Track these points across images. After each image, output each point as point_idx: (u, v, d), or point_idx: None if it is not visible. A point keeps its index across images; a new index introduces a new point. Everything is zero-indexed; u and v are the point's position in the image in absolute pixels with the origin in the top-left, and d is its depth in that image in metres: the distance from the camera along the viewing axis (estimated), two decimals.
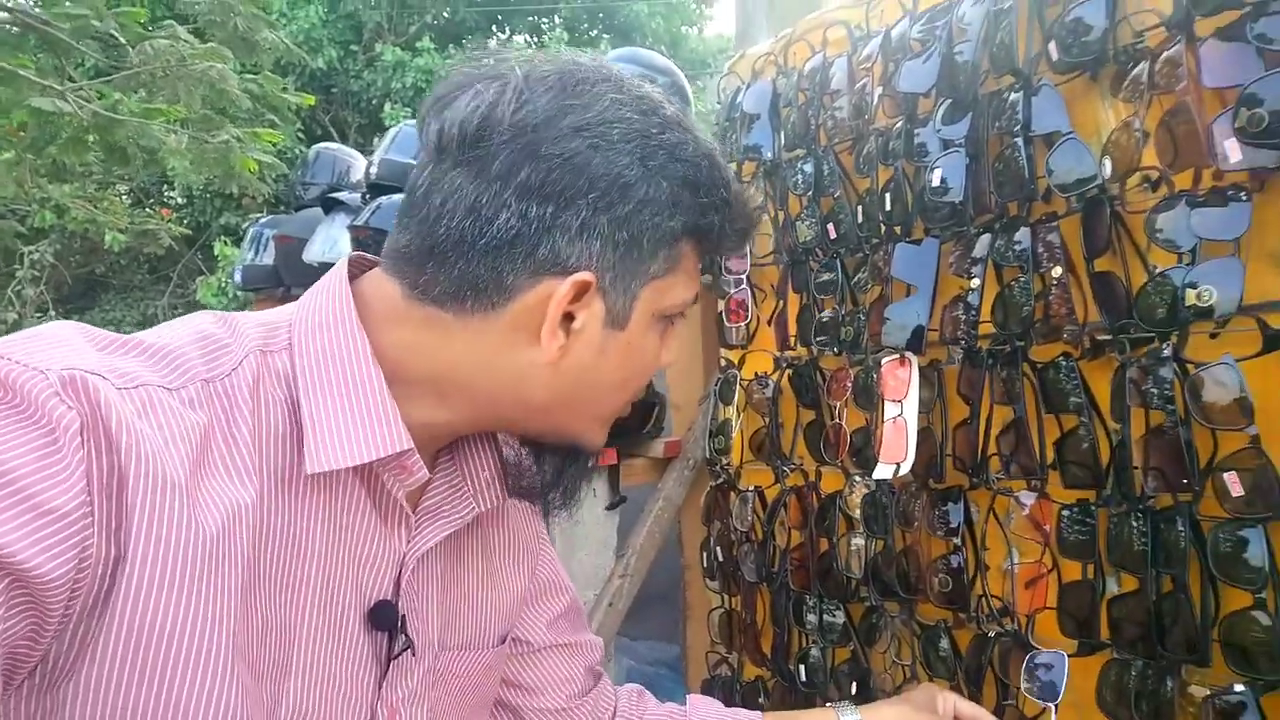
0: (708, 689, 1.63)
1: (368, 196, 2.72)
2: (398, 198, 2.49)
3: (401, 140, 2.73)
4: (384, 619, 0.69)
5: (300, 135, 9.05)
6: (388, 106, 9.09)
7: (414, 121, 3.05)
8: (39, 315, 9.37)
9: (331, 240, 2.71)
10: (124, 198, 8.47)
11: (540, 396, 0.67)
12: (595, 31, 10.65)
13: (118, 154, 4.19)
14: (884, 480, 1.28)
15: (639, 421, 1.73)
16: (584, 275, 0.63)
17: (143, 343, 0.60)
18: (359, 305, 0.67)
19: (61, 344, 0.57)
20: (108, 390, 0.55)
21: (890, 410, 1.27)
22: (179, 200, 10.00)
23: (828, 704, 1.04)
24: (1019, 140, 1.11)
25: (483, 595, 0.80)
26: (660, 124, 0.65)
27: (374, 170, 2.67)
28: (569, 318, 0.65)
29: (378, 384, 0.65)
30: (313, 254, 2.74)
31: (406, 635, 0.70)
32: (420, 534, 0.71)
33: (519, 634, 0.89)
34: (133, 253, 8.43)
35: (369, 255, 0.71)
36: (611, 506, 1.72)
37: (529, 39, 10.57)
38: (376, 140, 9.17)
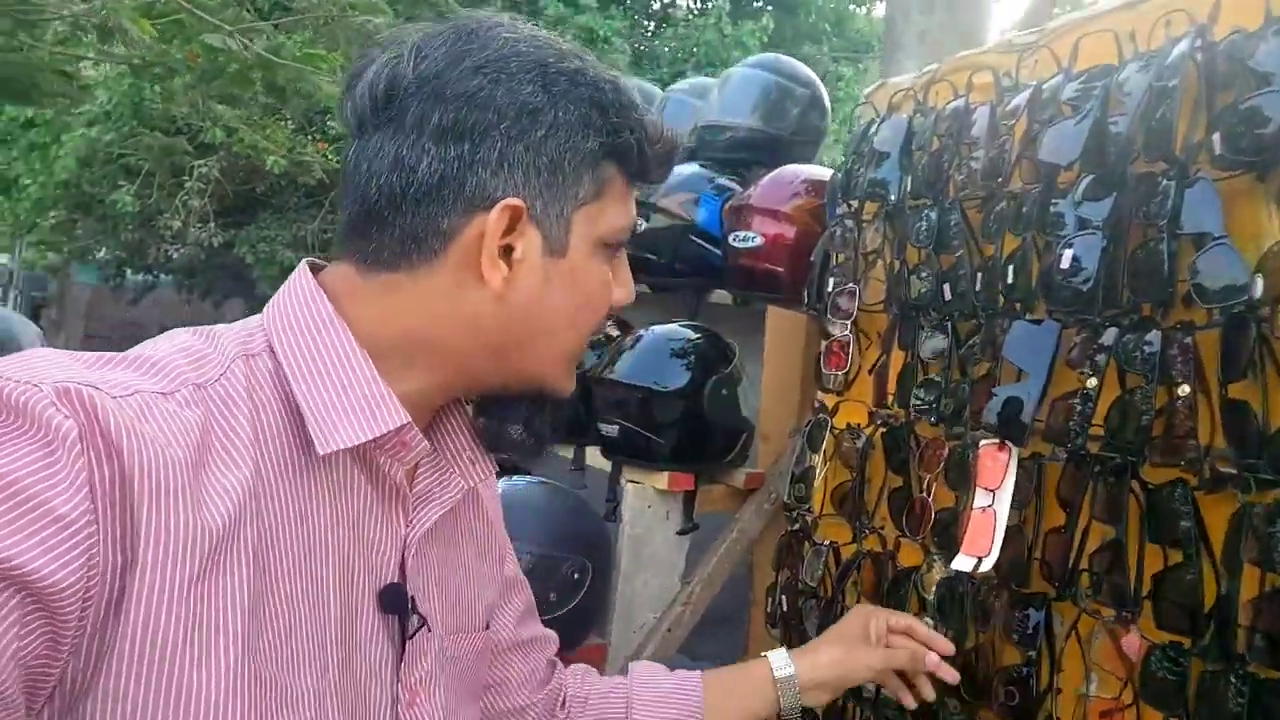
0: None
1: None
2: None
3: None
4: (394, 601, 0.71)
5: None
6: None
7: None
8: (200, 225, 9.96)
9: None
10: (288, 123, 8.86)
11: (498, 335, 0.70)
12: (759, 3, 10.43)
13: (277, 92, 4.35)
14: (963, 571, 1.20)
15: (722, 448, 1.68)
16: (512, 200, 0.66)
17: (129, 358, 0.62)
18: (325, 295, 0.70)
19: (52, 363, 0.58)
20: (103, 399, 0.55)
21: (981, 499, 1.18)
22: (336, 134, 10.40)
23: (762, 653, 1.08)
24: (1164, 234, 1.00)
25: (471, 579, 0.82)
26: (557, 55, 0.69)
27: None
28: (508, 250, 0.68)
29: (366, 366, 0.67)
30: None
31: (420, 614, 0.72)
32: (417, 516, 0.73)
33: (500, 638, 0.92)
34: (290, 177, 8.85)
35: (322, 259, 0.74)
36: (683, 532, 1.69)
37: (691, 5, 10.43)
38: None
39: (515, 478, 1.67)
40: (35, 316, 17.03)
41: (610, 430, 1.65)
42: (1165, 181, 1.01)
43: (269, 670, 0.61)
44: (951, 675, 1.11)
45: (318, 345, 0.67)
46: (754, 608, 1.78)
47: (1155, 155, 1.02)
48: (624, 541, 1.63)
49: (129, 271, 11.98)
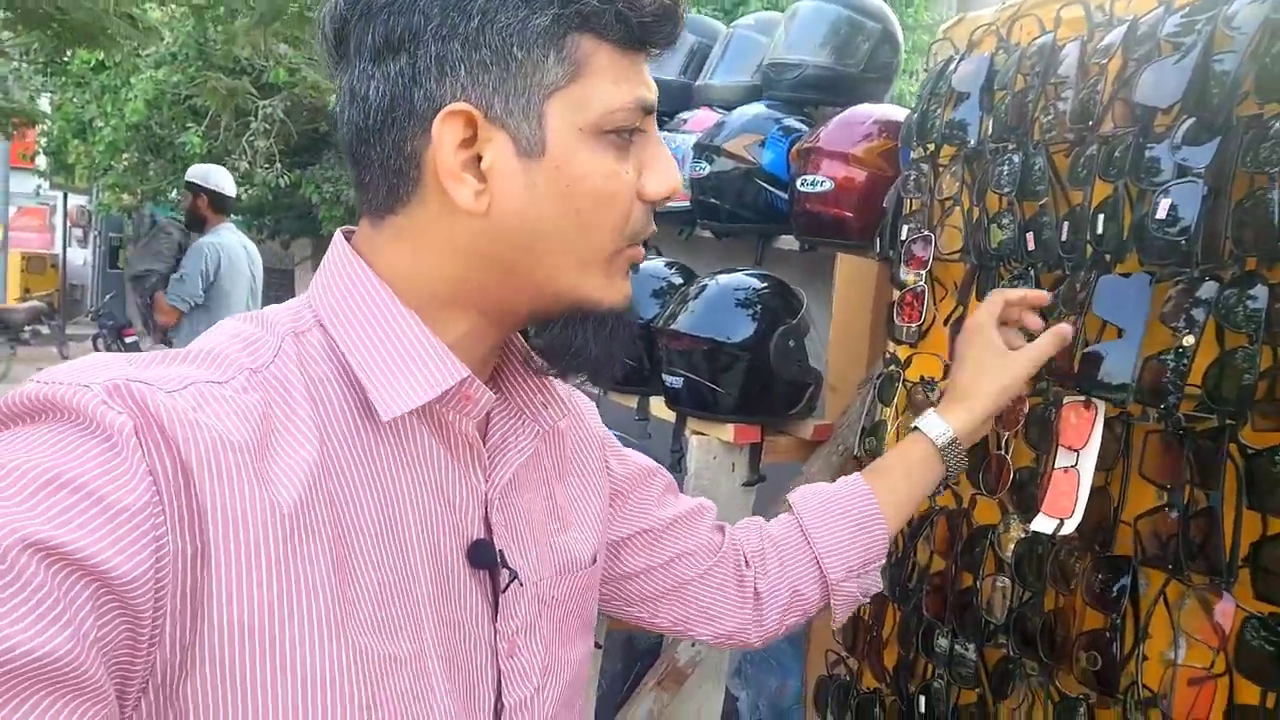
0: (822, 687, 1.58)
1: None
2: None
3: None
4: (483, 557, 0.70)
5: None
6: None
7: None
8: (267, 166, 10.08)
9: None
10: None
11: (503, 253, 0.65)
12: None
13: None
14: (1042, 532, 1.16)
15: (789, 400, 1.65)
16: (455, 106, 0.62)
17: (181, 353, 0.62)
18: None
19: (101, 366, 0.58)
20: (154, 394, 0.56)
21: (1064, 458, 1.14)
22: None
23: (912, 427, 1.06)
24: (1274, 183, 0.93)
25: (565, 519, 0.81)
26: None
27: None
28: (478, 160, 0.63)
29: (416, 325, 0.65)
30: None
31: (510, 568, 0.72)
32: (495, 469, 0.72)
33: (638, 526, 0.92)
34: None
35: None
36: (749, 484, 1.67)
37: None
38: None
39: None
40: (113, 258, 17.53)
41: (674, 382, 1.63)
42: (1277, 125, 0.94)
43: (364, 638, 0.61)
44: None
45: (364, 312, 0.66)
46: None
47: (1269, 96, 0.94)
48: (689, 493, 1.61)
49: None
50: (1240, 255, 0.97)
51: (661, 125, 2.17)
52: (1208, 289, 0.99)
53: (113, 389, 0.55)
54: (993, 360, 1.05)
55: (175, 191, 11.53)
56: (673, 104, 2.23)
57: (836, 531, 0.99)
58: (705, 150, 1.89)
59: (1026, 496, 1.23)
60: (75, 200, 17.04)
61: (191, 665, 0.56)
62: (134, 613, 0.53)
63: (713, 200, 1.89)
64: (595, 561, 0.84)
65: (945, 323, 1.41)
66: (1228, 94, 0.98)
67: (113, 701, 0.52)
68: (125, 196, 12.37)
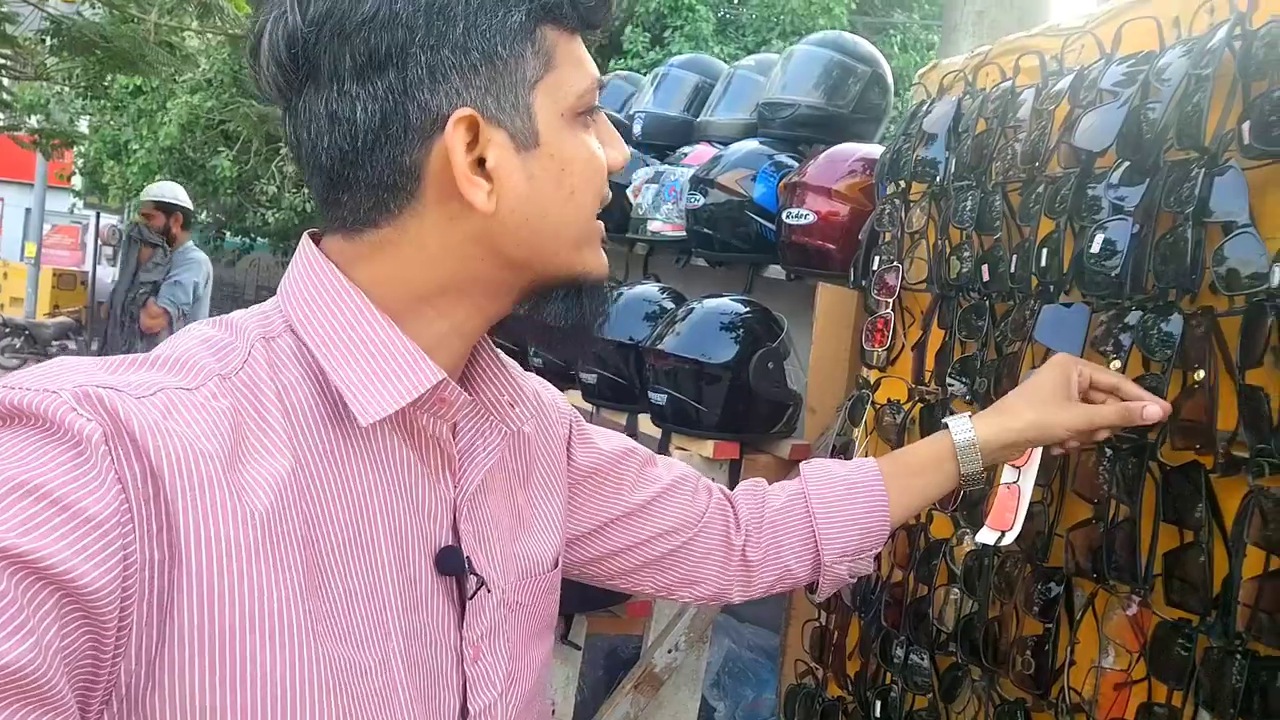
0: (791, 696, 1.65)
1: None
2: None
3: (609, 92, 2.77)
4: (451, 563, 0.70)
5: None
6: (629, 29, 9.17)
7: (627, 73, 3.05)
8: (295, 190, 10.31)
9: None
10: None
11: (509, 250, 0.67)
12: None
13: None
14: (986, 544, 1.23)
15: (767, 419, 1.73)
16: (462, 111, 0.62)
17: (149, 358, 0.61)
18: None
19: (71, 370, 0.57)
20: (124, 400, 0.55)
21: (1008, 475, 1.21)
22: None
23: (942, 423, 1.02)
24: (1190, 221, 1.01)
25: (527, 522, 0.81)
26: None
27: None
28: (481, 162, 0.64)
29: (391, 330, 0.65)
30: None
31: (477, 574, 0.71)
32: (464, 474, 0.72)
33: (616, 510, 0.92)
34: None
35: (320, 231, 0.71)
36: None
37: None
38: (613, 63, 9.16)
39: None
40: None
41: (659, 399, 1.72)
42: (1196, 169, 1.02)
43: (331, 645, 0.61)
44: (1160, 412, 0.98)
45: (337, 317, 0.65)
46: None
47: (1188, 143, 1.03)
48: None
49: (228, 234, 12.49)
50: (1162, 287, 1.05)
51: (662, 159, 2.28)
52: (1134, 317, 1.08)
53: (82, 395, 0.54)
54: (1048, 393, 1.00)
55: (205, 214, 11.80)
56: (674, 139, 2.34)
57: (840, 514, 0.98)
58: (701, 183, 1.99)
59: (977, 512, 1.30)
60: (107, 219, 17.39)
61: (159, 674, 0.55)
62: (99, 623, 0.52)
63: (707, 230, 1.99)
64: (556, 565, 0.84)
65: (912, 348, 1.50)
66: (1156, 139, 1.07)
67: (74, 713, 0.52)
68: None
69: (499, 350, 0.77)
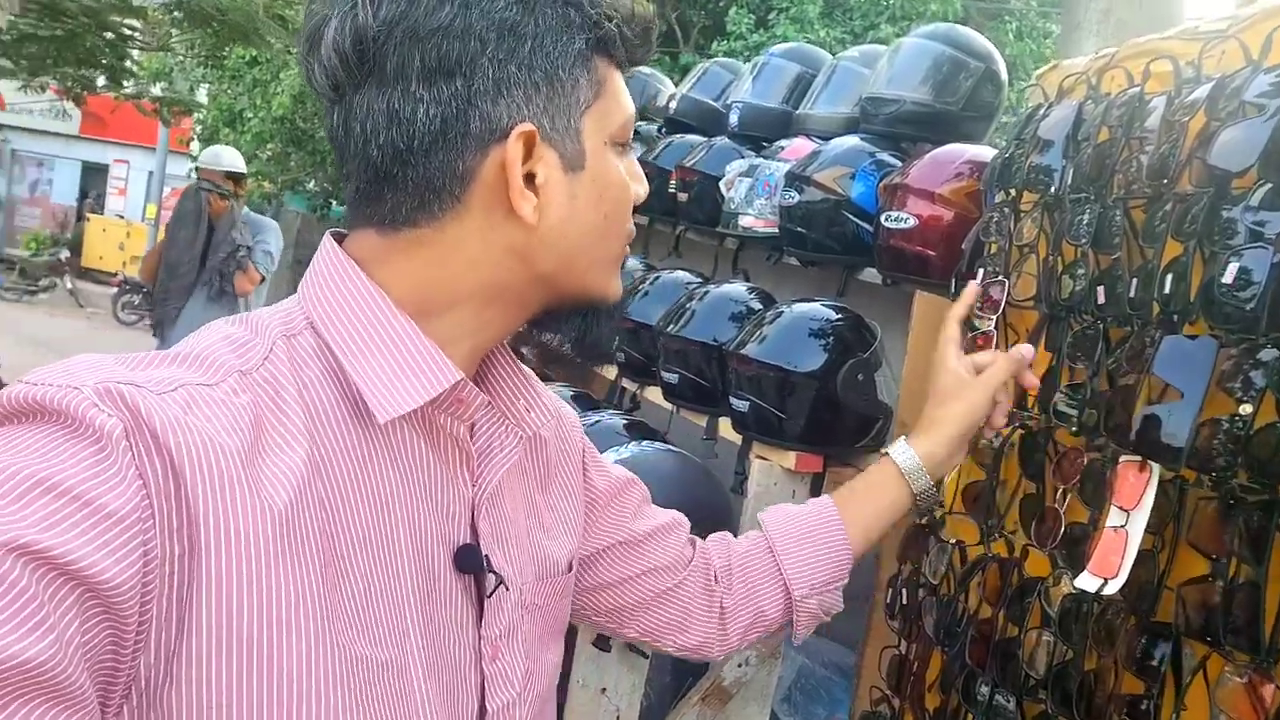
0: None
1: (663, 131, 2.74)
2: (690, 138, 2.49)
3: (707, 79, 2.70)
4: (470, 561, 0.71)
5: None
6: (733, 10, 9.00)
7: (726, 60, 3.00)
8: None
9: None
10: None
11: (541, 264, 0.69)
12: None
13: None
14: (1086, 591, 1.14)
15: (854, 432, 1.65)
16: (525, 126, 0.65)
17: (170, 355, 0.62)
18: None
19: (92, 367, 0.58)
20: (145, 396, 0.56)
21: (1115, 517, 1.12)
22: None
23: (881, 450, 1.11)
24: None
25: (545, 524, 0.82)
26: None
27: (673, 105, 2.67)
28: (530, 178, 0.66)
29: (410, 329, 0.66)
30: None
31: (496, 573, 0.72)
32: (482, 474, 0.73)
33: (615, 538, 0.94)
34: None
35: (344, 230, 0.73)
36: None
37: None
38: (716, 44, 9.09)
39: (644, 443, 1.71)
40: None
41: (741, 405, 1.66)
42: None
43: (348, 642, 0.61)
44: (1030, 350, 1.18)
45: (358, 315, 0.66)
46: (877, 592, 1.76)
47: None
48: (748, 516, 1.64)
49: (334, 202, 12.82)
50: None
51: (758, 151, 2.20)
52: (1269, 354, 0.97)
53: (103, 391, 0.55)
54: (953, 387, 1.11)
55: (313, 182, 12.13)
56: (772, 131, 2.26)
57: (803, 551, 1.03)
58: (796, 179, 1.91)
59: (1077, 552, 1.21)
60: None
61: (176, 670, 0.55)
62: (119, 618, 0.52)
63: (800, 229, 1.91)
64: (571, 569, 0.85)
65: None
66: None
67: (94, 708, 0.52)
68: (266, 184, 13.06)
69: (517, 359, 0.79)
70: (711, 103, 2.59)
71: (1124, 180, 1.21)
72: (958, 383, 1.11)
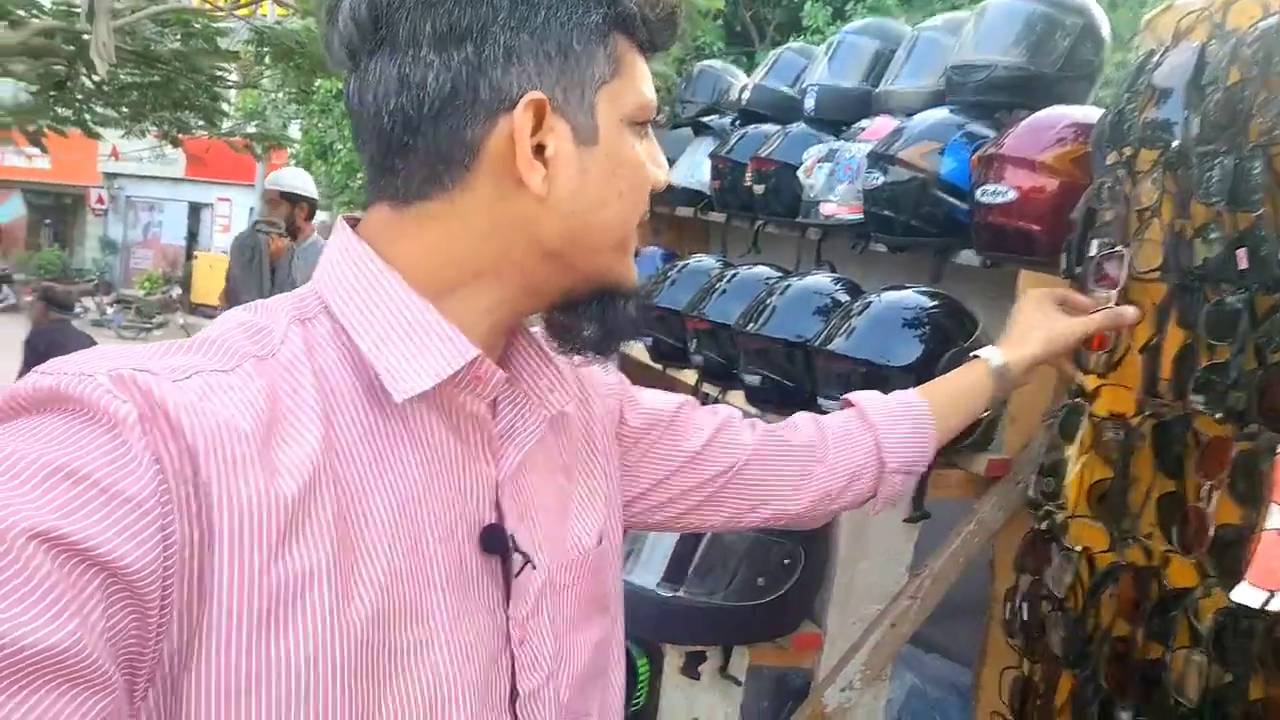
0: None
1: (737, 123, 2.62)
2: (765, 128, 2.37)
3: (780, 66, 2.57)
4: (495, 542, 0.70)
5: (720, 29, 9.13)
6: (808, 5, 8.82)
7: (800, 45, 2.88)
8: None
9: (695, 165, 2.66)
10: None
11: (550, 239, 0.68)
12: None
13: None
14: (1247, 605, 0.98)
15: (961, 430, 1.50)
16: (534, 94, 0.64)
17: (186, 343, 0.62)
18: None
19: (107, 356, 0.58)
20: (159, 382, 0.56)
21: (1275, 517, 0.95)
22: None
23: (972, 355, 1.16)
24: None
25: (571, 502, 0.81)
26: None
27: (745, 95, 2.55)
28: (540, 149, 0.65)
29: (424, 308, 0.66)
30: (675, 177, 2.72)
31: (522, 553, 0.72)
32: (504, 454, 0.72)
33: (675, 464, 0.95)
34: None
35: (358, 215, 0.72)
36: (911, 519, 1.53)
37: None
38: (792, 39, 9.02)
39: None
40: None
41: (832, 407, 1.52)
42: None
43: (367, 628, 0.61)
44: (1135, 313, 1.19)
45: (372, 296, 0.66)
46: (994, 604, 1.60)
47: None
48: (843, 526, 1.50)
49: None
50: None
51: (837, 135, 2.07)
52: None
53: (117, 379, 0.55)
54: (1043, 319, 1.16)
55: None
56: (851, 113, 2.11)
57: (897, 429, 1.06)
58: (880, 160, 1.77)
59: (1231, 559, 1.04)
60: (318, 216, 18.66)
61: (192, 655, 0.56)
62: (142, 603, 0.53)
63: (887, 212, 1.76)
64: (601, 543, 0.83)
65: (1141, 351, 1.24)
66: None
67: (120, 692, 0.52)
68: (359, 213, 13.39)
69: (536, 337, 0.78)
70: (786, 90, 2.45)
71: (1263, 125, 1.05)
72: (1047, 315, 1.16)
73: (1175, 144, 1.17)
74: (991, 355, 1.13)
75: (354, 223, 0.72)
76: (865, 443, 1.05)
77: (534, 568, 0.73)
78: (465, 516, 0.69)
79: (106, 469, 0.53)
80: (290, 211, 4.42)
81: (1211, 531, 1.06)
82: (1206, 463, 1.09)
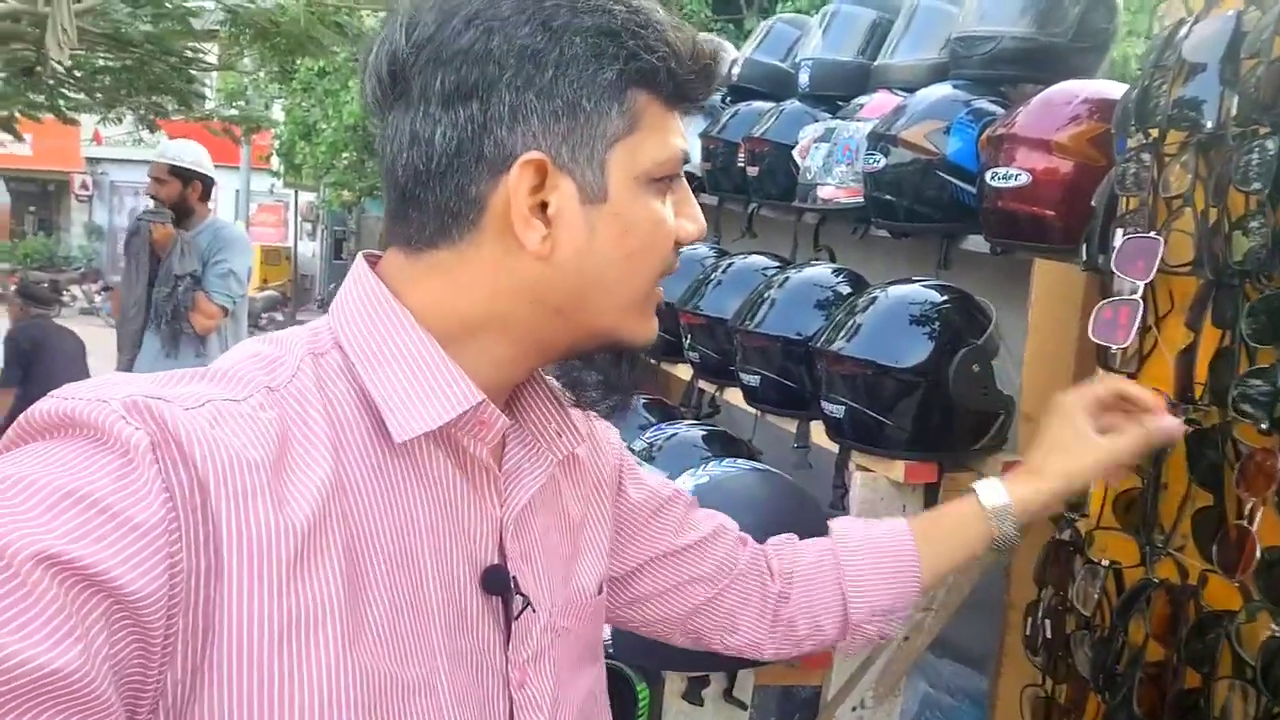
0: None
1: (728, 100, 2.51)
2: (758, 105, 2.26)
3: (772, 39, 2.46)
4: (497, 583, 0.70)
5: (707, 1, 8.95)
6: None
7: (792, 16, 2.76)
8: None
9: None
10: None
11: (555, 297, 0.68)
12: None
13: None
14: None
15: (971, 433, 1.41)
16: (531, 155, 0.64)
17: (199, 372, 0.63)
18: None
19: (120, 383, 0.59)
20: (172, 410, 0.56)
21: None
22: None
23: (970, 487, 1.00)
24: None
25: (574, 547, 0.81)
26: None
27: (736, 70, 2.44)
28: (544, 206, 0.66)
29: (434, 349, 0.66)
30: None
31: (523, 595, 0.72)
32: (510, 495, 0.72)
33: (656, 551, 0.92)
34: None
35: (378, 253, 0.73)
36: None
37: None
38: (781, 7, 8.83)
39: (726, 461, 1.50)
40: (338, 249, 18.88)
41: (835, 410, 1.43)
42: None
43: (373, 661, 0.61)
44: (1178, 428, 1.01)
45: (382, 334, 0.67)
46: (1010, 611, 1.52)
47: None
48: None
49: None
50: None
51: (834, 112, 1.96)
52: None
53: (130, 405, 0.56)
54: (1070, 441, 0.97)
55: None
56: (848, 88, 2.01)
57: (870, 572, 0.97)
58: (880, 140, 1.66)
59: (1275, 575, 0.96)
60: (305, 197, 18.45)
61: (200, 686, 0.56)
62: (146, 630, 0.53)
63: (889, 196, 1.66)
64: (601, 591, 0.84)
65: (1177, 355, 1.14)
66: None
67: (119, 718, 0.52)
68: (345, 193, 13.23)
69: (548, 381, 0.78)
70: (779, 64, 2.34)
71: None
72: (1077, 439, 0.97)
73: (1209, 125, 1.07)
74: (989, 492, 0.96)
75: (374, 261, 0.72)
76: (830, 588, 0.97)
77: (534, 610, 0.72)
78: (468, 556, 0.69)
79: (116, 495, 0.53)
80: (181, 191, 3.64)
81: (1258, 553, 0.97)
82: (1249, 477, 1.00)
